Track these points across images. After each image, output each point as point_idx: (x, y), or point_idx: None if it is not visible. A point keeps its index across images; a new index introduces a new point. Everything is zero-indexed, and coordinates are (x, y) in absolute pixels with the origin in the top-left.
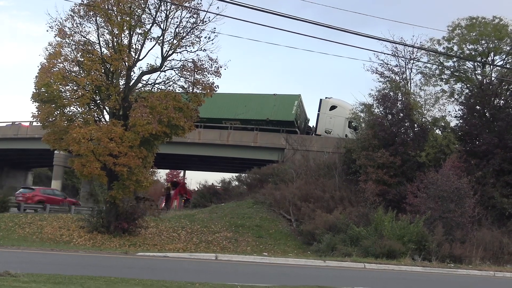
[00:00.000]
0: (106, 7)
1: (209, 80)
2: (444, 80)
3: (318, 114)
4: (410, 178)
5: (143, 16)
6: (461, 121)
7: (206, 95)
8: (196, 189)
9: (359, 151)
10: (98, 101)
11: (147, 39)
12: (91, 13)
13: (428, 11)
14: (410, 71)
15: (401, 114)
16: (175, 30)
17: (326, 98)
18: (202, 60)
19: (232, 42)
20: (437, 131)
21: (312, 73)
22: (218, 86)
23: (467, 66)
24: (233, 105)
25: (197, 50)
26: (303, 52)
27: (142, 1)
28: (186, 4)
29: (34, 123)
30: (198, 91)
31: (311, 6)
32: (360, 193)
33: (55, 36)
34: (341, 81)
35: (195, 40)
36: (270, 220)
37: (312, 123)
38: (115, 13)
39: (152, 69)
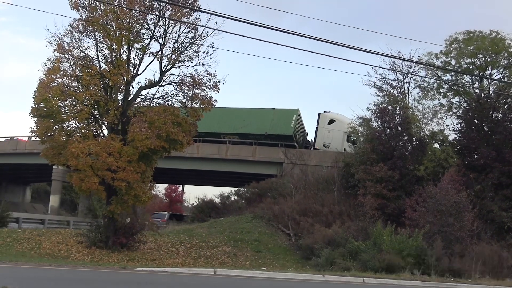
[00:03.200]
0: (105, 23)
1: (207, 94)
2: (442, 94)
3: (317, 128)
4: (408, 192)
5: (141, 31)
6: (459, 135)
7: (204, 110)
8: (195, 203)
9: (357, 165)
10: (97, 116)
11: (146, 54)
12: (90, 28)
13: (425, 26)
14: (408, 85)
15: (399, 128)
16: (173, 45)
17: (324, 112)
18: (201, 75)
19: (230, 57)
20: (436, 145)
21: (310, 87)
22: (216, 100)
23: (465, 80)
24: (232, 120)
25: (195, 65)
26: (302, 67)
27: (141, 17)
28: (185, 19)
29: (33, 138)
30: (196, 106)
31: (310, 22)
32: (359, 207)
33: (54, 51)
34: (339, 95)
35: (194, 54)
36: (269, 235)
37: (310, 137)
38: (114, 28)
39: (151, 84)
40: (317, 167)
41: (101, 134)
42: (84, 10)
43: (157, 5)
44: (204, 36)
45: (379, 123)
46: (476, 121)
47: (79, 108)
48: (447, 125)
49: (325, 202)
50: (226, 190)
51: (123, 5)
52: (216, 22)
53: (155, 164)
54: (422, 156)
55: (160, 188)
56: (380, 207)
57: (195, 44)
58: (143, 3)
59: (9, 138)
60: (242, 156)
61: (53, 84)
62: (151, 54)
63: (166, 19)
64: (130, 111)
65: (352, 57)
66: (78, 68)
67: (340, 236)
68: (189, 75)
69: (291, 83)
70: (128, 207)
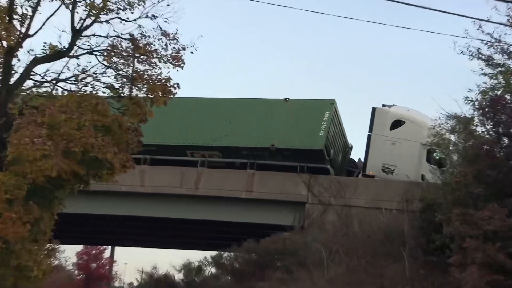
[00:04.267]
0: None
1: (161, 73)
2: None
3: (369, 137)
4: None
5: None
6: None
7: (156, 102)
8: (136, 282)
9: (448, 207)
10: None
11: None
12: None
13: None
14: None
15: None
16: None
17: (384, 106)
18: (149, 37)
19: (206, 4)
20: None
21: (353, 62)
22: (178, 84)
23: None
24: (208, 121)
25: (138, 18)
26: (336, 22)
27: None
28: None
29: None
30: (141, 95)
31: None
32: None
33: None
34: (408, 76)
35: None
36: None
37: (357, 154)
38: None
39: (54, 54)
40: (370, 210)
41: None
42: None
43: None
44: None
45: (488, 126)
46: None
47: None
48: None
49: (387, 279)
50: (195, 256)
51: None
52: None
53: (60, 206)
54: None
55: (69, 253)
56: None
57: None
58: None
59: None
60: (228, 190)
61: None
62: None
63: None
64: (13, 106)
65: (432, 3)
66: None
67: None
68: (127, 36)
69: (318, 53)
70: None
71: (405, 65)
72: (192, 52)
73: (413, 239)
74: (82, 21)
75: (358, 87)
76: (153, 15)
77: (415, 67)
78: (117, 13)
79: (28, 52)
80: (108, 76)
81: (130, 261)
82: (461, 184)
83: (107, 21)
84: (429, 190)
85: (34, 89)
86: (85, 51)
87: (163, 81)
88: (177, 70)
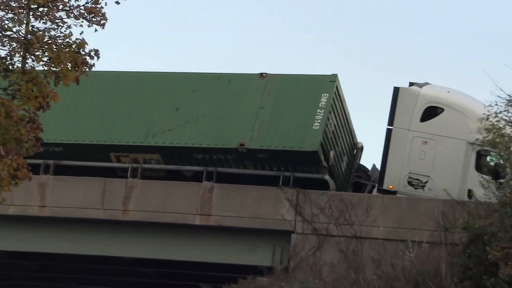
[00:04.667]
0: None
1: (71, 34)
2: None
3: (389, 132)
4: None
5: None
6: None
7: (63, 79)
8: None
9: (506, 238)
10: None
11: None
12: None
13: None
14: None
15: None
16: None
17: (412, 85)
18: None
19: None
20: None
21: (359, 20)
22: (98, 52)
23: None
24: (143, 108)
25: None
26: None
27: None
28: None
29: None
30: (40, 67)
31: None
32: None
33: None
34: (443, 39)
35: None
36: None
37: (370, 158)
38: None
39: None
40: (390, 243)
41: None
42: None
43: None
44: None
45: None
46: None
47: None
48: None
49: None
50: None
51: None
52: None
53: None
54: None
55: None
56: None
57: None
58: None
59: None
60: (173, 212)
61: None
62: None
63: None
64: None
65: None
66: None
67: None
68: None
69: (311, 8)
70: None
71: (440, 24)
72: (118, 2)
73: (454, 286)
74: None
75: (370, 57)
76: None
77: (456, 26)
78: None
79: None
80: None
81: None
82: None
83: None
84: (479, 213)
85: None
86: None
87: (73, 46)
88: (96, 30)
